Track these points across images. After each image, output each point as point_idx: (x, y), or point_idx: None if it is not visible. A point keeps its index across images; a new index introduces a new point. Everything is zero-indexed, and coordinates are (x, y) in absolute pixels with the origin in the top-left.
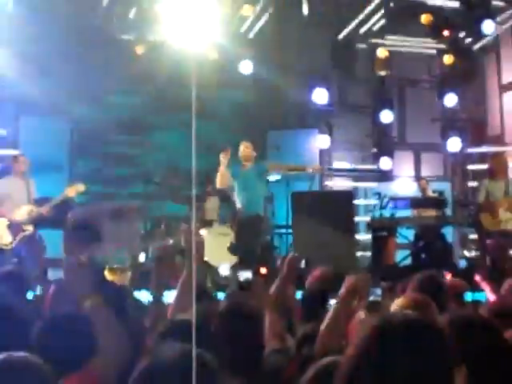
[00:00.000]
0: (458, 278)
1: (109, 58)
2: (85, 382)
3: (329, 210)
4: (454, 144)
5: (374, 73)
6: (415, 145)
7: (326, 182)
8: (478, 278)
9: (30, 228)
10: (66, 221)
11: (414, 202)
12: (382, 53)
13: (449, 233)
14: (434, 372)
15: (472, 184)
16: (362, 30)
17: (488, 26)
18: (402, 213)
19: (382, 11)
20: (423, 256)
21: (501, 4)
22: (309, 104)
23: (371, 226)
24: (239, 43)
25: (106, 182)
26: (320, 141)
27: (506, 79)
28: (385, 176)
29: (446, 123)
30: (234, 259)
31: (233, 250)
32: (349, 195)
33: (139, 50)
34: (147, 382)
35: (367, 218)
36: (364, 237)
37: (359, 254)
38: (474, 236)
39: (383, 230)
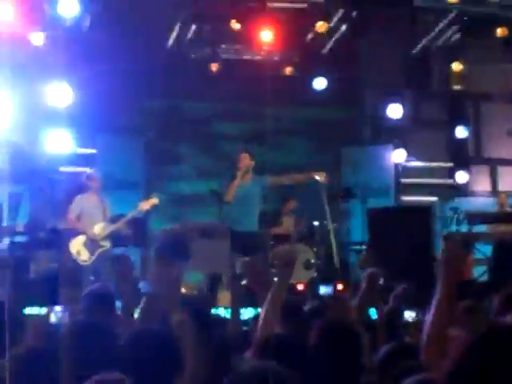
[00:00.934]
0: None
1: (183, 76)
2: None
3: (406, 226)
4: None
5: (449, 87)
6: (491, 159)
7: (402, 197)
8: None
9: (106, 244)
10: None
11: (492, 217)
12: (456, 67)
13: None
14: None
15: None
16: (437, 45)
17: None
18: (479, 228)
19: (457, 25)
20: (501, 272)
21: None
22: (383, 119)
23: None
24: (313, 59)
25: (181, 199)
26: (395, 156)
27: None
28: (461, 191)
29: None
30: (309, 275)
31: (308, 266)
32: (426, 210)
33: (214, 67)
34: None
35: (443, 234)
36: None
37: (436, 270)
38: None
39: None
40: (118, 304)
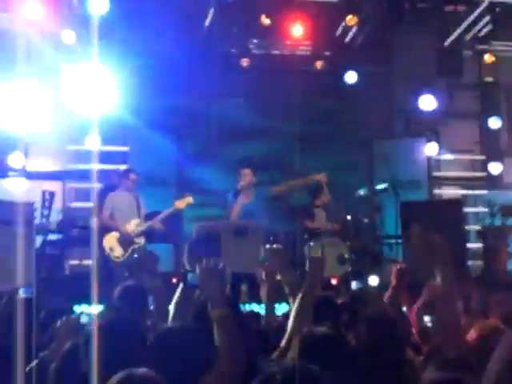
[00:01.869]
0: None
1: (214, 71)
2: None
3: (438, 219)
4: None
5: (481, 79)
6: None
7: (435, 191)
8: None
9: (140, 241)
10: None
11: None
12: (489, 58)
13: None
14: None
15: None
16: (469, 36)
17: None
18: None
19: (488, 17)
20: None
21: None
22: (415, 112)
23: (482, 235)
24: (344, 53)
25: (214, 197)
26: (428, 149)
27: None
28: (495, 183)
29: None
30: (343, 270)
31: (342, 260)
32: (458, 203)
33: (245, 62)
34: None
35: (477, 227)
36: (474, 245)
37: (470, 263)
38: None
39: (494, 238)
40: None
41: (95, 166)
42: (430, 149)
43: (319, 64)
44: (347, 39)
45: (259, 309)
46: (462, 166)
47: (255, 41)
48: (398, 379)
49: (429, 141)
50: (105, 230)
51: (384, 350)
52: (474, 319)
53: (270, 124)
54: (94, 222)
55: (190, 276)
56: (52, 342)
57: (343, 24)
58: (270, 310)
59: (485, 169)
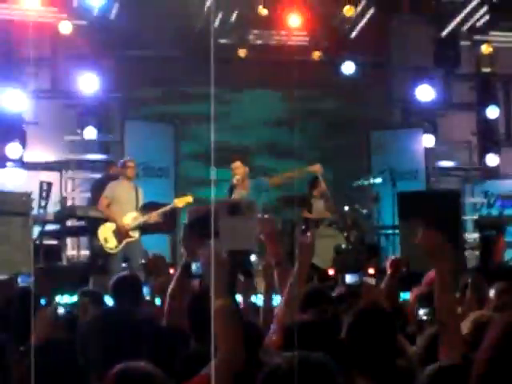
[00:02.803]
0: None
1: (210, 62)
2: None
3: (436, 210)
4: None
5: (479, 69)
6: None
7: (433, 181)
8: None
9: (135, 235)
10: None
11: None
12: (486, 49)
13: None
14: None
15: None
16: (466, 27)
17: None
18: (511, 211)
19: (486, 7)
20: None
21: None
22: (412, 102)
23: (479, 225)
24: (341, 44)
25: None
26: (425, 140)
27: None
28: (492, 174)
29: None
30: (340, 260)
31: (339, 251)
32: (456, 194)
33: (242, 53)
34: None
35: (475, 217)
36: (471, 236)
37: (467, 253)
38: None
39: (491, 228)
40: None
41: (92, 156)
42: (427, 139)
43: (316, 54)
44: (345, 29)
45: (256, 300)
46: (459, 157)
47: (254, 31)
48: (389, 370)
49: (426, 131)
50: (102, 220)
51: (373, 343)
52: (471, 309)
53: (268, 114)
54: (92, 212)
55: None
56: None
57: (341, 14)
58: (268, 301)
59: (482, 159)
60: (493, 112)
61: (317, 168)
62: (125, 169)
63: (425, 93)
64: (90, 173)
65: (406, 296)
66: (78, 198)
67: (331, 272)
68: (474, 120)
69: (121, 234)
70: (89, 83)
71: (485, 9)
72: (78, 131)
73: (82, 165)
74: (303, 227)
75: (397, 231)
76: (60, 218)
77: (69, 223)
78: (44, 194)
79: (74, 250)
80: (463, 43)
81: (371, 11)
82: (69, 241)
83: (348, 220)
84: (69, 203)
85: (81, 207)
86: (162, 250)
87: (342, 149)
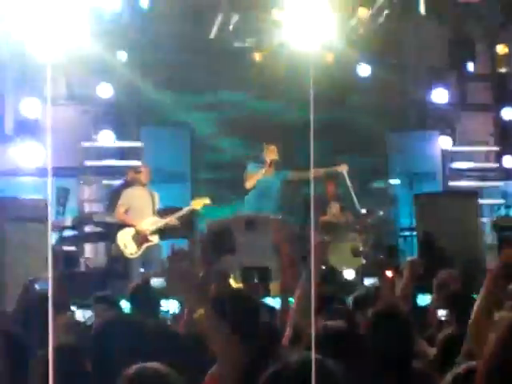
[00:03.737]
0: None
1: (225, 66)
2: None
3: (453, 211)
4: None
5: (494, 70)
6: None
7: (450, 183)
8: None
9: (154, 239)
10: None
11: None
12: (502, 49)
13: None
14: None
15: None
16: (481, 27)
17: None
18: None
19: (501, 7)
20: None
21: None
22: (428, 104)
23: (496, 227)
24: (356, 45)
25: (228, 191)
26: (442, 141)
27: None
28: (509, 175)
29: None
30: (357, 263)
31: (357, 253)
32: (473, 195)
33: (257, 57)
34: None
35: (492, 218)
36: (490, 237)
37: (486, 255)
38: None
39: (509, 229)
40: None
41: (109, 163)
42: (444, 141)
43: (331, 57)
44: (360, 31)
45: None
46: (476, 158)
47: (267, 35)
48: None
49: (443, 133)
50: (119, 226)
51: (391, 345)
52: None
53: (284, 117)
54: (110, 219)
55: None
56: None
57: (355, 16)
58: (285, 303)
59: (499, 160)
60: (509, 113)
61: (343, 167)
62: (139, 174)
63: (441, 94)
64: (106, 179)
65: (423, 298)
66: (96, 204)
67: (349, 274)
68: (491, 121)
69: (140, 238)
70: (104, 89)
71: (500, 9)
72: (94, 137)
73: (98, 171)
74: (319, 230)
75: (414, 233)
76: (77, 224)
77: (86, 229)
78: (61, 201)
79: (92, 256)
80: (478, 44)
81: (386, 12)
82: (87, 247)
83: (365, 222)
84: (86, 209)
85: (98, 213)
86: None
87: (359, 151)
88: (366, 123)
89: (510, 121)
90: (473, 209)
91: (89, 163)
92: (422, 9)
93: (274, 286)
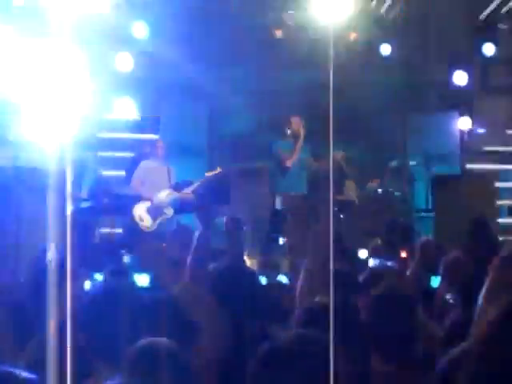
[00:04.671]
0: None
1: (247, 42)
2: None
3: (471, 193)
4: None
5: None
6: None
7: (468, 165)
8: None
9: (170, 212)
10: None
11: None
12: None
13: None
14: None
15: None
16: (505, 9)
17: None
18: None
19: None
20: None
21: None
22: (450, 86)
23: None
24: (379, 25)
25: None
26: (462, 123)
27: None
28: None
29: None
30: (372, 243)
31: (371, 234)
32: (491, 178)
33: (278, 33)
34: (267, 363)
35: (510, 202)
36: (507, 220)
37: (502, 238)
38: None
39: None
40: None
41: (126, 135)
42: (463, 122)
43: (353, 36)
44: (382, 11)
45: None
46: (496, 141)
47: (290, 12)
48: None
49: (462, 115)
50: (135, 198)
51: (390, 327)
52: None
53: (304, 95)
54: (126, 191)
55: None
56: None
57: None
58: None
59: None
60: None
61: (339, 155)
62: (155, 148)
63: (462, 76)
64: (123, 152)
65: (435, 280)
66: (113, 176)
67: (362, 254)
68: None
69: (155, 211)
70: (124, 62)
71: None
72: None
73: (115, 143)
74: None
75: (431, 214)
76: (93, 196)
77: (103, 201)
78: (78, 172)
79: (108, 228)
80: (502, 26)
81: None
82: (103, 219)
83: (381, 202)
84: (102, 181)
85: (115, 186)
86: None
87: (378, 131)
88: (386, 102)
89: None
90: (489, 192)
91: (107, 135)
92: None
93: (285, 262)
